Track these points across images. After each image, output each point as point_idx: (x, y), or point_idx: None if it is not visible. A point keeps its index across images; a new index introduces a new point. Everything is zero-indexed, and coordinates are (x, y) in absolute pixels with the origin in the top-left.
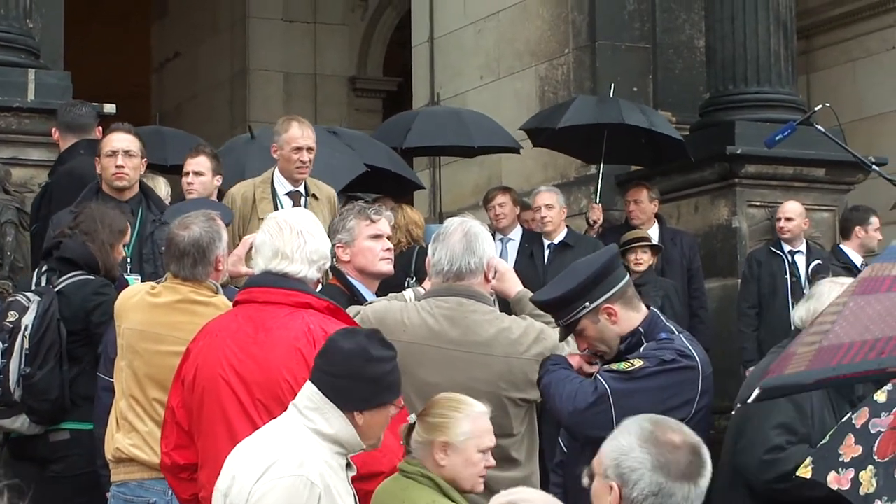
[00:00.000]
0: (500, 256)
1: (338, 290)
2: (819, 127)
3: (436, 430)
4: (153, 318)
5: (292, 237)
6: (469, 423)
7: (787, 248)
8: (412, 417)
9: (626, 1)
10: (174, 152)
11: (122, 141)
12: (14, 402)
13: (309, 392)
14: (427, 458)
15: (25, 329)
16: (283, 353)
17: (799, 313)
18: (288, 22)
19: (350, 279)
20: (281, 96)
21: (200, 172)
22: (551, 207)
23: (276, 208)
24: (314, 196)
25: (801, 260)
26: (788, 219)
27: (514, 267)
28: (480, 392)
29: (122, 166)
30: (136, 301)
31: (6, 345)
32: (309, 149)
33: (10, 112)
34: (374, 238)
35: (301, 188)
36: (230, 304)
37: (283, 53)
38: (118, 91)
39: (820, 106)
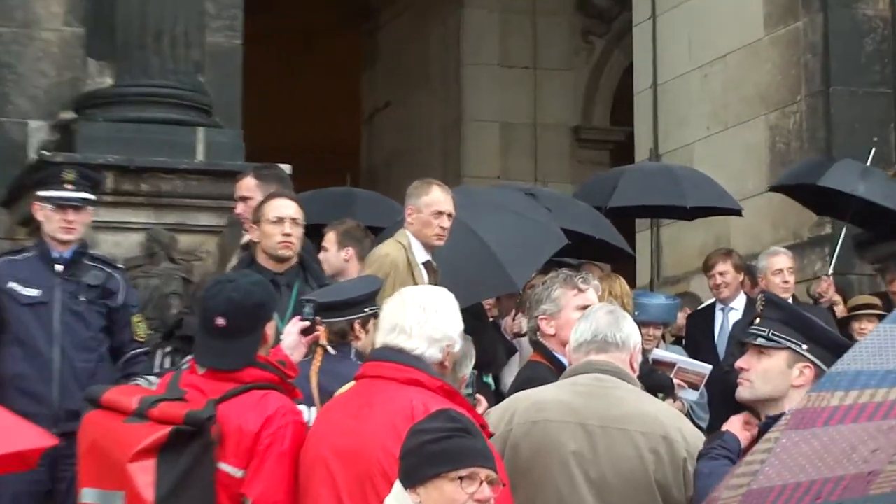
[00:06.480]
0: (721, 328)
1: (544, 367)
2: None
3: None
4: None
5: (414, 312)
6: None
7: None
8: None
9: (865, 42)
10: (364, 216)
11: (289, 207)
12: None
13: (396, 484)
14: None
15: None
16: (380, 429)
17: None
18: (506, 67)
19: (555, 354)
20: (497, 148)
21: (325, 248)
22: (792, 271)
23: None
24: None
25: None
26: None
27: (732, 338)
28: (626, 473)
29: (290, 234)
30: None
31: None
32: (450, 214)
33: (175, 174)
34: (581, 309)
35: (431, 258)
36: None
37: (500, 102)
38: (324, 146)
39: None
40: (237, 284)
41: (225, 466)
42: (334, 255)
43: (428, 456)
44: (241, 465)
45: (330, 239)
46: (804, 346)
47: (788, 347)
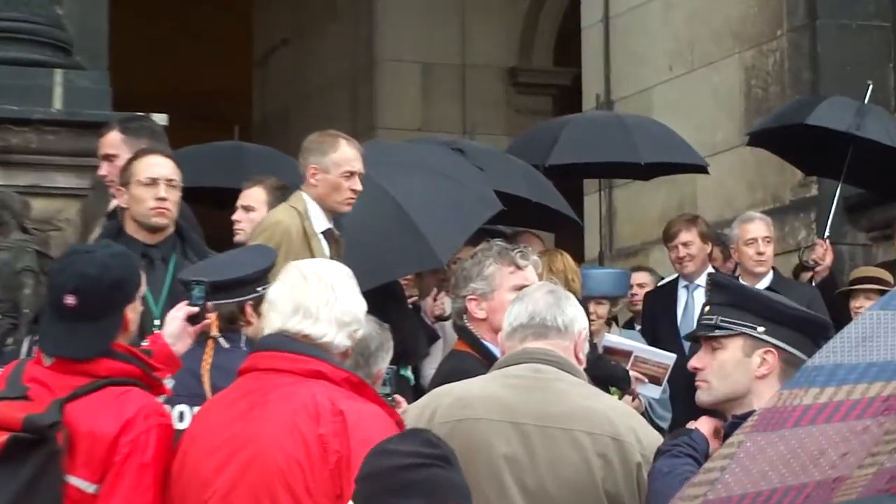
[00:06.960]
0: (686, 309)
1: (470, 357)
2: None
3: None
4: None
5: (321, 291)
6: None
7: None
8: None
9: None
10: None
11: (164, 167)
12: None
13: None
14: None
15: None
16: (279, 430)
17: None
18: None
19: (485, 343)
20: (418, 93)
21: (251, 207)
22: (769, 241)
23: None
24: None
25: None
26: None
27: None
28: (569, 480)
29: (165, 199)
30: None
31: None
32: (360, 175)
33: (28, 126)
34: (519, 290)
35: (332, 225)
36: None
37: (421, 38)
38: (210, 89)
39: None
40: (92, 257)
41: (75, 480)
42: (262, 217)
43: (399, 484)
44: (94, 479)
45: (257, 197)
46: (760, 329)
47: (742, 333)
